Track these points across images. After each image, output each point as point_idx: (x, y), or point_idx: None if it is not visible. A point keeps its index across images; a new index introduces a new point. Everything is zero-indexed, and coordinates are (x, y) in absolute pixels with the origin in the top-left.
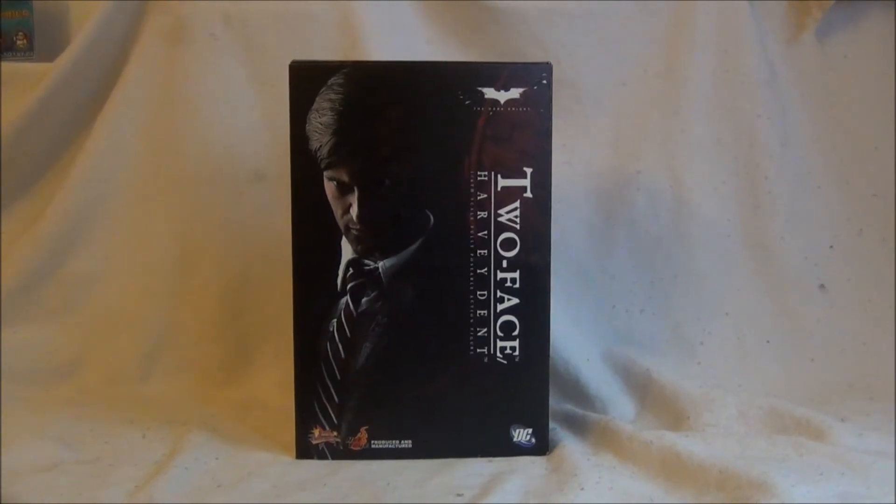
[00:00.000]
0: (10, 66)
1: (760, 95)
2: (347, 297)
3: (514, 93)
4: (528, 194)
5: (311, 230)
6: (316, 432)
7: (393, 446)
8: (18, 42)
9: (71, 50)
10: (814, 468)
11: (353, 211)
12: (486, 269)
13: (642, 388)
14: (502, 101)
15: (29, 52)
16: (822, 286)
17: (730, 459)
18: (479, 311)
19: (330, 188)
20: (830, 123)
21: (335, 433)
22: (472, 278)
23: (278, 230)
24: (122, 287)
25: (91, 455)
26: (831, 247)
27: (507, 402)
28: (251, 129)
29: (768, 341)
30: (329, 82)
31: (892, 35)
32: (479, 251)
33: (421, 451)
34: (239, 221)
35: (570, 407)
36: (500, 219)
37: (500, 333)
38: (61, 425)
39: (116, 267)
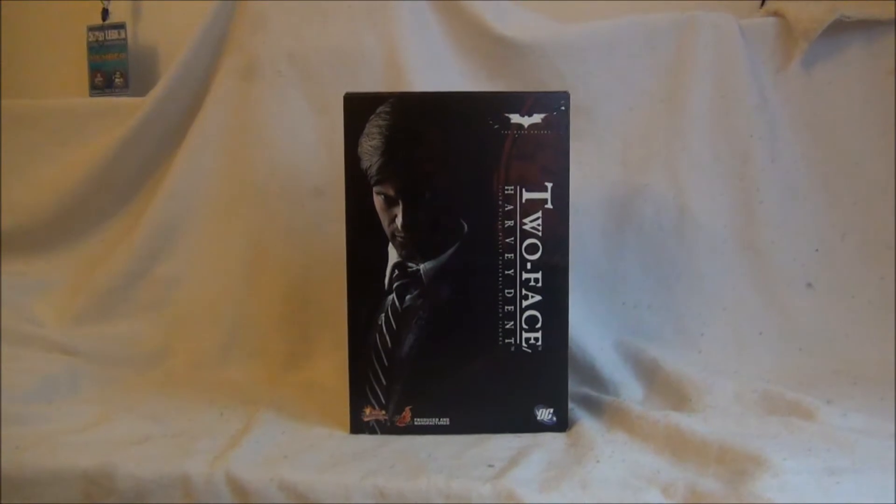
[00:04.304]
0: (109, 101)
1: (753, 118)
2: (393, 295)
3: (537, 118)
4: (549, 205)
5: (363, 237)
6: (367, 411)
7: (433, 423)
8: (117, 80)
9: (160, 86)
10: (803, 444)
11: (399, 221)
12: (512, 270)
13: (650, 373)
14: (526, 126)
15: (125, 89)
16: (809, 284)
17: (728, 436)
18: (506, 307)
19: (378, 201)
20: (815, 142)
21: (383, 412)
22: (500, 278)
23: (334, 237)
24: (202, 287)
25: (177, 430)
26: (817, 250)
27: (532, 385)
28: (311, 151)
29: (761, 333)
30: (378, 110)
31: (870, 64)
32: (506, 254)
33: (457, 427)
34: (301, 230)
35: (586, 390)
36: (524, 226)
37: (524, 326)
38: (152, 404)
39: (198, 270)
